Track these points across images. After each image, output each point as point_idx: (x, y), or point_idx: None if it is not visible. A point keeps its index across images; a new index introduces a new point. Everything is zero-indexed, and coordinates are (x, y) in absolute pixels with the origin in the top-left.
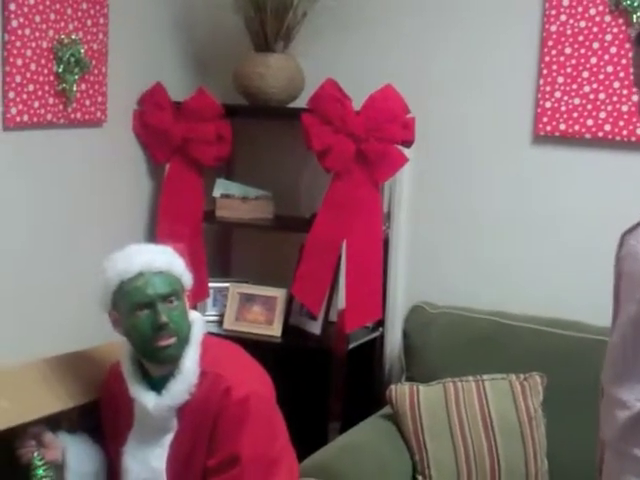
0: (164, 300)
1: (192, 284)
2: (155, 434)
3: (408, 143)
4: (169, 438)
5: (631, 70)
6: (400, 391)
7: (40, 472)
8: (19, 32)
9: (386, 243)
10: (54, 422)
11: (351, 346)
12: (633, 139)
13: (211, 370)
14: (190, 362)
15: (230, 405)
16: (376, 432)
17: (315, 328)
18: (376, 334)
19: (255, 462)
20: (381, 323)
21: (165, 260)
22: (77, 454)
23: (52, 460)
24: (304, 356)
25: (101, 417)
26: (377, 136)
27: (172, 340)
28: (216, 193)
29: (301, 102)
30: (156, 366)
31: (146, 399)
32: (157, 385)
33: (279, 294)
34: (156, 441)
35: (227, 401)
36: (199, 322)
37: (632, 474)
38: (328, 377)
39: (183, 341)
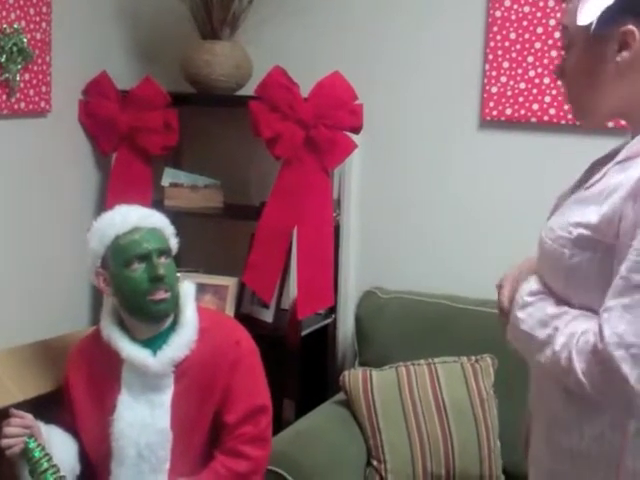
0: (159, 255)
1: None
2: (150, 395)
3: (356, 129)
4: (167, 398)
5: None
6: (353, 376)
7: (37, 454)
8: None
9: (337, 229)
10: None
11: (304, 333)
12: (578, 123)
13: (213, 326)
14: (191, 316)
15: (244, 356)
16: (330, 418)
17: (267, 316)
18: (329, 320)
19: (270, 408)
20: (333, 309)
21: (159, 218)
22: (58, 440)
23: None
24: (257, 344)
25: (68, 401)
26: (325, 123)
27: (167, 295)
28: (164, 182)
29: (249, 90)
30: (144, 326)
31: (142, 356)
32: (145, 347)
33: (230, 283)
34: (153, 402)
35: (240, 353)
36: (190, 283)
37: None
38: (282, 365)
39: (174, 299)
